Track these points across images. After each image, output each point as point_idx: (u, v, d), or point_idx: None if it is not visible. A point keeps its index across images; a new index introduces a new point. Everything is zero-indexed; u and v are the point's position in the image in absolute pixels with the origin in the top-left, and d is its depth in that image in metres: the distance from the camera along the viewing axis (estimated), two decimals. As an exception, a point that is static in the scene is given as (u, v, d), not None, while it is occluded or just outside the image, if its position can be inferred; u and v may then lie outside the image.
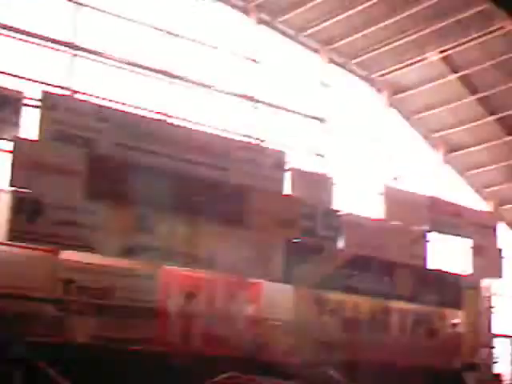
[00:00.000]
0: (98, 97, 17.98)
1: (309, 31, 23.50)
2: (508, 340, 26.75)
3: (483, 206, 28.42)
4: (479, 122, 26.57)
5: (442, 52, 24.29)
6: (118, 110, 17.41)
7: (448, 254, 24.95)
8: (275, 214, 18.84)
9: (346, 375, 17.55)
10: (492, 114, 26.15)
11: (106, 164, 16.07)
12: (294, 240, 19.35)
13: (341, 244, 20.62)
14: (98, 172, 15.77)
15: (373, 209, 23.08)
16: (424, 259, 23.00)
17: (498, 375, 24.14)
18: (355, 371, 18.09)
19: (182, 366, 14.73)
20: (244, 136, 20.96)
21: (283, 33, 23.38)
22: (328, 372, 17.15)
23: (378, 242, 21.57)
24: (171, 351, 15.45)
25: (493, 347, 24.93)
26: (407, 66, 25.02)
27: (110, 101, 18.07)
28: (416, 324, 22.25)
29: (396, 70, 25.25)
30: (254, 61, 22.08)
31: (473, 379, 22.11)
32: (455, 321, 22.54)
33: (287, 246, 18.98)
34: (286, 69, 22.92)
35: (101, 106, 16.94)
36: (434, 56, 24.49)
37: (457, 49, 24.07)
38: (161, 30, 20.29)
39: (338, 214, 20.93)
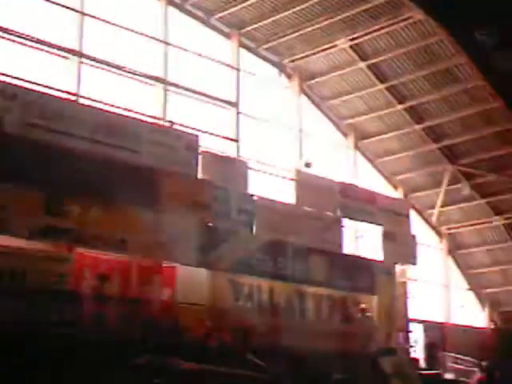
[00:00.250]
0: (4, 74, 17.35)
1: (219, 14, 23.34)
2: (421, 325, 27.25)
3: (393, 193, 28.83)
4: (389, 110, 27.01)
5: (351, 40, 24.53)
6: (25, 88, 16.80)
7: (362, 240, 25.27)
8: (188, 197, 18.49)
9: (264, 360, 17.41)
10: (401, 102, 26.57)
11: (12, 143, 15.48)
12: (208, 224, 19.08)
13: (255, 228, 20.49)
14: (4, 151, 15.17)
15: (286, 194, 23.15)
16: (339, 245, 23.11)
17: (413, 359, 24.41)
18: (273, 356, 17.96)
19: (94, 349, 14.28)
20: (156, 118, 20.59)
21: (195, 16, 23.12)
22: (247, 356, 16.96)
23: (292, 227, 21.54)
24: (85, 334, 15.00)
25: (409, 332, 25.21)
26: (318, 52, 25.19)
27: (18, 79, 17.44)
28: (331, 309, 22.26)
29: (307, 56, 25.38)
30: (165, 43, 21.70)
31: (389, 364, 22.24)
32: (363, 305, 22.62)
33: (201, 230, 18.68)
34: (198, 52, 22.65)
35: (8, 84, 16.33)
36: (343, 43, 24.71)
37: (366, 37, 24.36)
38: (72, 9, 19.77)
39: (252, 198, 20.83)
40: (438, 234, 30.91)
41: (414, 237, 26.17)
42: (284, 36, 24.47)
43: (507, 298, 31.58)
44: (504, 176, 27.65)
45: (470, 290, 31.87)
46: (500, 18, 21.44)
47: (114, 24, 20.26)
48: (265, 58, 25.32)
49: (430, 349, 26.72)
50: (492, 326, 32.02)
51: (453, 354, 27.61)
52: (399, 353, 23.56)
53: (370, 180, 27.79)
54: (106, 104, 18.96)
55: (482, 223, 30.00)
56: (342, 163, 27.22)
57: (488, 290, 31.80)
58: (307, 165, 23.70)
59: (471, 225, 30.26)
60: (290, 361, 18.28)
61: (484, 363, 23.92)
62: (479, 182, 28.58)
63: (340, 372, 18.66)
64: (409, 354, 24.56)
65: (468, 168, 27.99)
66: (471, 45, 22.98)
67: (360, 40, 24.54)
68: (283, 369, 17.40)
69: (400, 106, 26.55)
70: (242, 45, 24.29)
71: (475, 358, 27.84)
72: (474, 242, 30.93)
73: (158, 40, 21.53)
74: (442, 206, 28.97)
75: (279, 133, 24.95)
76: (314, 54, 25.21)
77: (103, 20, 20.22)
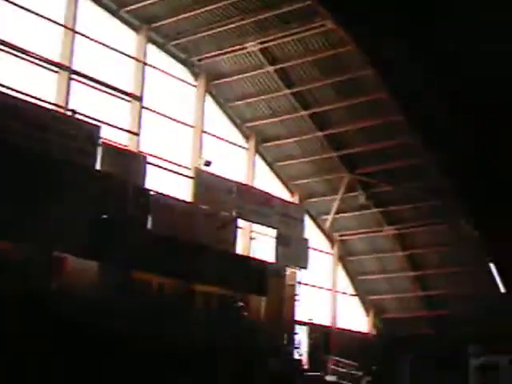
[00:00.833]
0: None
1: (131, 7, 23.11)
2: (307, 327, 27.82)
3: (289, 197, 29.29)
4: (292, 116, 27.35)
5: (261, 43, 24.73)
6: None
7: (257, 241, 25.63)
8: (84, 188, 18.36)
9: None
10: (305, 108, 26.95)
11: None
12: (103, 216, 18.98)
13: (150, 224, 20.53)
14: None
15: (183, 191, 23.29)
16: (232, 244, 23.43)
17: (298, 360, 24.95)
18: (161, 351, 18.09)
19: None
20: (57, 106, 20.25)
21: (105, 6, 22.85)
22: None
23: (187, 224, 21.70)
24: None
25: (295, 333, 25.74)
26: (226, 53, 25.28)
27: None
28: (221, 308, 22.51)
29: (215, 56, 25.41)
30: (73, 31, 21.32)
31: (277, 364, 22.71)
32: (240, 304, 22.85)
33: (95, 222, 18.56)
34: (106, 43, 22.40)
35: None
36: (253, 46, 24.87)
37: (276, 41, 24.61)
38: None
39: (149, 193, 20.87)
40: (330, 240, 31.54)
41: (306, 241, 26.75)
42: (194, 34, 24.44)
43: (391, 304, 32.50)
44: (399, 187, 28.35)
45: (356, 295, 32.61)
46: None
47: (20, 7, 19.74)
48: (172, 55, 25.22)
49: (314, 351, 27.32)
50: (374, 332, 32.87)
51: (336, 357, 28.30)
52: (285, 354, 24.12)
53: (268, 183, 28.13)
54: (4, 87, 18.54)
55: (374, 232, 30.68)
56: (242, 164, 27.43)
57: (373, 297, 32.59)
58: (206, 164, 23.82)
59: (363, 233, 30.93)
60: (177, 357, 18.46)
61: (373, 367, 24.77)
62: (374, 192, 29.24)
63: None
64: (293, 355, 25.07)
65: (365, 177, 28.56)
66: (378, 58, 23.53)
67: (270, 44, 24.78)
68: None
69: (304, 112, 26.94)
70: (150, 39, 24.13)
71: (358, 362, 28.75)
72: (364, 249, 31.65)
73: (65, 27, 21.16)
74: (337, 213, 29.56)
75: (181, 130, 24.95)
76: (222, 54, 25.28)
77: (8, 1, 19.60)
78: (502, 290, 27.72)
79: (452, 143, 25.45)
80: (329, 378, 26.57)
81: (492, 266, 27.52)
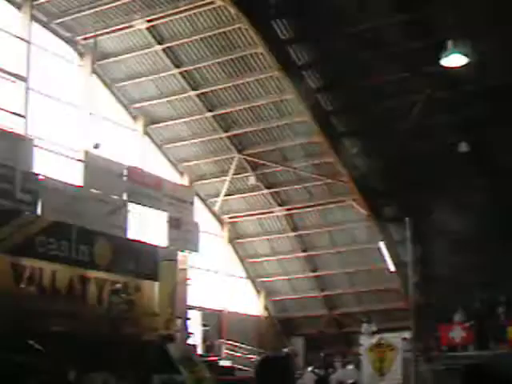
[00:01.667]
0: None
1: (11, -17, 22.54)
2: (199, 311, 27.91)
3: (179, 179, 29.28)
4: (181, 96, 27.37)
5: (149, 21, 24.58)
6: None
7: (147, 225, 25.47)
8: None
9: (45, 345, 17.22)
10: (194, 88, 27.00)
11: None
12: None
13: (39, 209, 20.12)
14: None
15: (72, 175, 22.89)
16: (123, 229, 23.25)
17: (193, 346, 25.03)
18: (55, 341, 17.79)
19: None
20: None
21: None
22: (28, 342, 16.71)
23: (78, 209, 21.39)
24: None
25: (187, 319, 25.79)
26: (112, 32, 25.03)
27: None
28: (113, 294, 22.30)
29: (101, 34, 25.04)
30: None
31: (176, 350, 22.77)
32: (118, 286, 22.61)
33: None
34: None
35: None
36: (140, 25, 24.73)
37: (164, 19, 24.54)
38: None
39: (38, 177, 20.42)
40: (220, 222, 31.73)
41: (196, 224, 26.79)
42: (78, 12, 24.06)
43: (282, 286, 33.03)
44: (289, 168, 28.81)
45: (247, 278, 32.97)
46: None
47: None
48: (57, 34, 24.75)
49: (206, 336, 27.46)
50: (266, 314, 33.32)
51: (230, 341, 28.57)
52: (179, 339, 24.15)
53: (158, 165, 28.07)
54: None
55: (264, 213, 31.05)
56: (131, 147, 27.24)
57: (264, 279, 33.01)
58: (96, 146, 23.50)
59: (253, 214, 31.26)
60: (72, 347, 18.20)
61: (286, 349, 25.18)
62: (264, 173, 29.63)
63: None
64: (187, 340, 25.14)
65: (255, 158, 28.87)
66: (270, 36, 23.76)
67: (157, 22, 24.74)
68: (65, 354, 17.32)
69: (192, 93, 27.01)
70: (33, 18, 23.51)
71: (251, 345, 29.13)
72: (254, 231, 32.01)
73: None
74: (227, 195, 29.79)
75: (69, 112, 24.50)
76: (108, 33, 25.03)
77: None
78: (392, 268, 28.55)
79: (345, 121, 26.18)
80: (223, 362, 26.78)
81: (382, 244, 28.28)
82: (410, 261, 23.23)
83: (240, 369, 27.18)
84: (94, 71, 25.98)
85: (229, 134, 28.53)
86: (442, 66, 21.93)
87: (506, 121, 23.73)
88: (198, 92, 27.09)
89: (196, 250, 26.68)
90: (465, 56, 21.21)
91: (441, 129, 25.28)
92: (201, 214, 29.32)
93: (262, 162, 29.01)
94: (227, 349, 28.42)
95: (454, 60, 21.51)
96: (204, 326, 27.28)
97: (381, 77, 24.52)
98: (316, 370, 25.08)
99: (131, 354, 20.02)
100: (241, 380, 26.06)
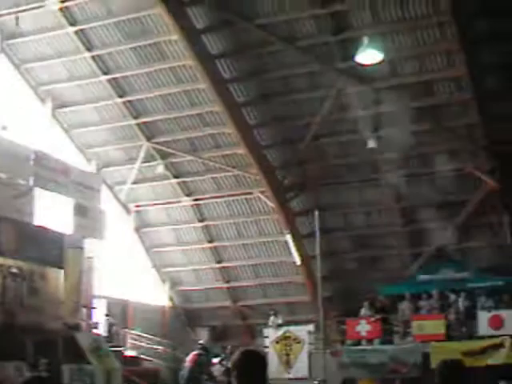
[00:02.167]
0: None
1: None
2: (104, 300, 27.67)
3: (86, 165, 28.89)
4: (91, 80, 27.08)
5: (62, 2, 24.23)
6: None
7: (54, 211, 25.02)
8: None
9: None
10: (105, 73, 26.71)
11: None
12: None
13: None
14: None
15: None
16: (30, 214, 22.81)
17: (97, 335, 24.81)
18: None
19: None
20: None
21: None
22: None
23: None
24: None
25: (92, 308, 25.55)
26: (24, 11, 24.49)
27: None
28: (17, 281, 21.89)
29: (11, 13, 24.52)
30: None
31: (85, 339, 22.61)
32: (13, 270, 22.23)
33: None
34: None
35: None
36: (53, 5, 24.31)
37: (78, 1, 24.17)
38: None
39: None
40: (127, 210, 31.45)
41: (103, 212, 26.52)
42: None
43: (187, 277, 33.00)
44: (198, 158, 28.82)
45: (153, 267, 32.78)
46: None
47: None
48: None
49: (111, 325, 27.26)
50: (170, 304, 33.22)
51: (135, 331, 28.44)
52: (84, 329, 23.94)
53: (65, 151, 27.62)
54: None
55: (171, 203, 30.94)
56: (39, 130, 26.70)
57: (169, 269, 32.90)
58: (3, 128, 22.95)
59: (160, 203, 31.13)
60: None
61: (201, 341, 25.31)
62: (173, 162, 29.58)
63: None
64: (91, 329, 24.93)
65: (164, 147, 28.78)
66: (185, 23, 23.72)
67: (70, 3, 24.42)
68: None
69: (103, 77, 26.77)
70: None
71: (156, 335, 29.09)
72: (160, 220, 31.85)
73: None
74: (134, 183, 29.63)
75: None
76: (18, 12, 24.44)
77: None
78: (298, 262, 28.95)
79: (256, 113, 26.42)
80: (129, 352, 26.66)
81: (288, 237, 28.61)
82: (318, 254, 23.58)
83: (145, 359, 27.16)
84: (2, 50, 25.35)
85: (138, 121, 28.32)
86: (356, 62, 22.48)
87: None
88: (108, 77, 26.82)
89: (102, 238, 26.42)
90: (380, 52, 21.80)
91: (350, 124, 25.79)
92: (107, 201, 29.02)
93: (171, 150, 28.89)
94: (132, 339, 28.23)
95: (369, 56, 22.07)
96: (107, 315, 27.02)
97: (292, 69, 24.88)
98: (224, 362, 25.26)
99: (40, 343, 19.76)
100: (147, 370, 26.10)
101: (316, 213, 24.37)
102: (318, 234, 24.03)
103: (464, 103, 24.35)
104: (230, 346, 26.59)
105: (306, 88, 25.46)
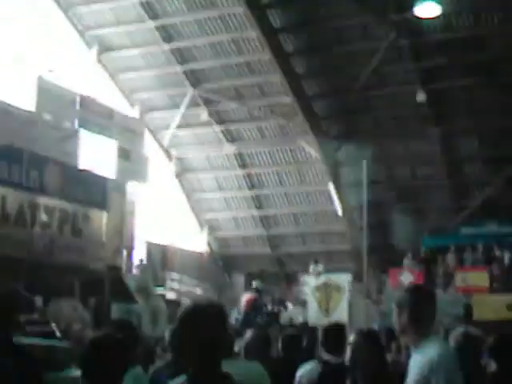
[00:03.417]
0: None
1: None
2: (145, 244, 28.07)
3: (130, 110, 29.05)
4: (138, 25, 27.12)
5: None
6: None
7: (98, 155, 25.28)
8: None
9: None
10: (153, 18, 26.69)
11: None
12: None
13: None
14: None
15: (26, 100, 22.56)
16: (75, 157, 23.13)
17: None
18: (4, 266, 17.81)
19: None
20: None
21: None
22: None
23: (29, 134, 21.20)
24: None
25: (133, 250, 25.97)
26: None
27: None
28: (62, 222, 22.32)
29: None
30: None
31: (133, 281, 23.15)
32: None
33: None
34: None
35: None
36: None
37: None
38: None
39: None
40: (169, 155, 31.60)
41: (146, 156, 26.78)
42: None
43: (225, 223, 33.23)
44: (243, 105, 28.77)
45: (193, 213, 33.04)
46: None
47: None
48: None
49: (153, 268, 27.60)
50: (208, 250, 33.52)
51: (175, 275, 28.81)
52: (125, 270, 24.41)
53: (110, 95, 27.84)
54: None
55: (213, 150, 31.03)
56: (84, 75, 26.84)
57: (209, 215, 33.13)
58: (49, 71, 23.14)
59: (202, 150, 31.20)
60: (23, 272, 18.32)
61: (255, 283, 25.52)
62: (217, 110, 29.67)
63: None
64: (131, 271, 25.40)
65: (210, 94, 28.77)
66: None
67: None
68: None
69: (150, 23, 26.71)
70: None
71: (195, 280, 29.48)
72: (202, 166, 31.98)
73: None
74: (177, 129, 29.70)
75: (22, 36, 23.99)
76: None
77: None
78: (339, 211, 29.02)
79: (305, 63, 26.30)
80: (169, 295, 27.07)
81: (331, 186, 28.65)
82: (365, 204, 23.56)
83: (183, 303, 27.52)
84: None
85: (184, 67, 28.36)
86: (413, 15, 22.22)
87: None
88: (155, 22, 26.79)
89: (144, 182, 26.72)
90: (439, 5, 21.52)
91: (400, 76, 25.64)
92: (150, 146, 29.26)
93: (216, 98, 28.89)
94: (172, 281, 28.61)
95: (428, 9, 21.80)
96: (141, 260, 27.26)
97: (344, 20, 24.68)
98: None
99: (87, 283, 20.23)
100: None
101: (364, 162, 24.38)
102: (364, 183, 24.01)
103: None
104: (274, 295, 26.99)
105: (357, 39, 25.27)
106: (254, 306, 24.03)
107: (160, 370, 7.40)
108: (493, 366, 7.55)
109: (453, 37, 24.15)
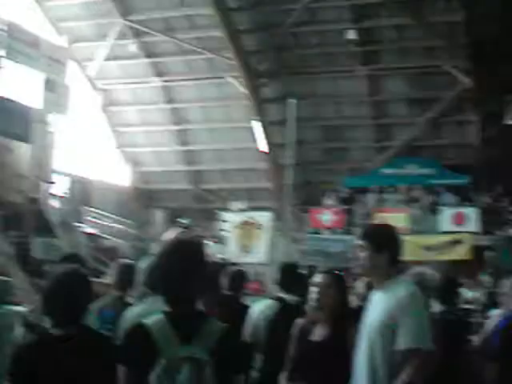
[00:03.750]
0: None
1: None
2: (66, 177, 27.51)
3: (57, 39, 28.09)
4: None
5: None
6: None
7: (23, 85, 24.45)
8: None
9: None
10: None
11: None
12: None
13: None
14: None
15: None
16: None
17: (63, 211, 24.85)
18: None
19: None
20: None
21: None
22: None
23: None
24: None
25: (52, 183, 25.45)
26: None
27: None
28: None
29: None
30: None
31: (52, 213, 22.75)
32: None
33: None
34: None
35: None
36: None
37: None
38: None
39: None
40: (94, 87, 30.86)
41: (67, 87, 26.06)
42: None
43: (148, 157, 32.81)
44: (172, 38, 28.21)
45: (117, 147, 32.49)
46: None
47: None
48: None
49: (72, 202, 27.14)
50: (130, 185, 33.09)
51: (95, 209, 28.41)
52: (42, 203, 23.87)
53: (37, 23, 26.91)
54: None
55: (140, 82, 30.43)
56: (12, 2, 25.80)
57: (132, 149, 32.64)
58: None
59: (129, 83, 30.58)
60: None
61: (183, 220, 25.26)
62: (146, 41, 29.06)
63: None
64: (48, 204, 24.87)
65: (139, 25, 28.16)
66: None
67: None
68: None
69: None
70: None
71: (115, 215, 29.18)
72: (128, 99, 31.39)
73: None
74: (104, 61, 29.02)
75: None
76: None
77: None
78: (264, 149, 28.98)
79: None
80: (89, 230, 26.73)
81: (255, 124, 28.50)
82: (291, 142, 23.53)
83: (104, 237, 27.27)
84: None
85: (113, -3, 27.51)
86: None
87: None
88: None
89: (65, 113, 26.00)
90: None
91: (332, 13, 25.55)
92: (76, 77, 28.55)
93: (145, 29, 28.26)
94: (92, 216, 28.18)
95: None
96: (63, 194, 26.73)
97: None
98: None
99: (11, 216, 19.79)
100: (106, 248, 26.22)
101: (289, 100, 24.24)
102: (291, 121, 23.92)
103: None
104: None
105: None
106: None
107: (106, 305, 7.25)
108: (437, 307, 7.67)
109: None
